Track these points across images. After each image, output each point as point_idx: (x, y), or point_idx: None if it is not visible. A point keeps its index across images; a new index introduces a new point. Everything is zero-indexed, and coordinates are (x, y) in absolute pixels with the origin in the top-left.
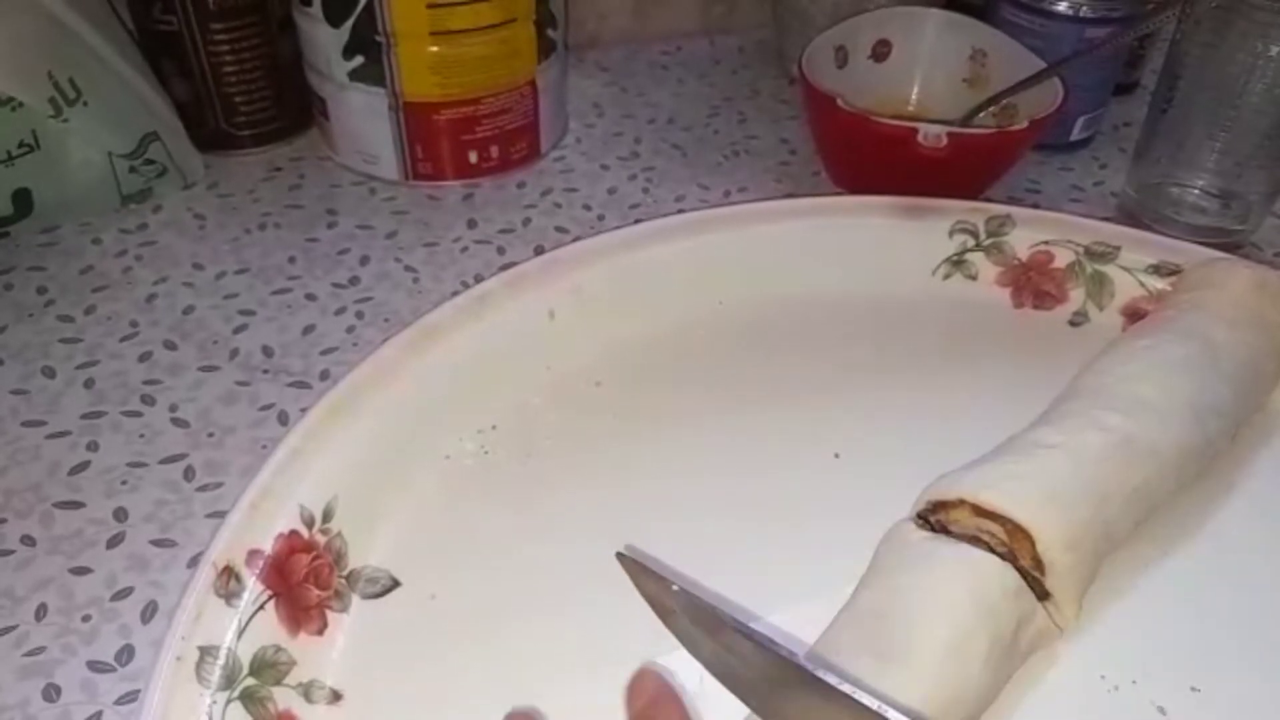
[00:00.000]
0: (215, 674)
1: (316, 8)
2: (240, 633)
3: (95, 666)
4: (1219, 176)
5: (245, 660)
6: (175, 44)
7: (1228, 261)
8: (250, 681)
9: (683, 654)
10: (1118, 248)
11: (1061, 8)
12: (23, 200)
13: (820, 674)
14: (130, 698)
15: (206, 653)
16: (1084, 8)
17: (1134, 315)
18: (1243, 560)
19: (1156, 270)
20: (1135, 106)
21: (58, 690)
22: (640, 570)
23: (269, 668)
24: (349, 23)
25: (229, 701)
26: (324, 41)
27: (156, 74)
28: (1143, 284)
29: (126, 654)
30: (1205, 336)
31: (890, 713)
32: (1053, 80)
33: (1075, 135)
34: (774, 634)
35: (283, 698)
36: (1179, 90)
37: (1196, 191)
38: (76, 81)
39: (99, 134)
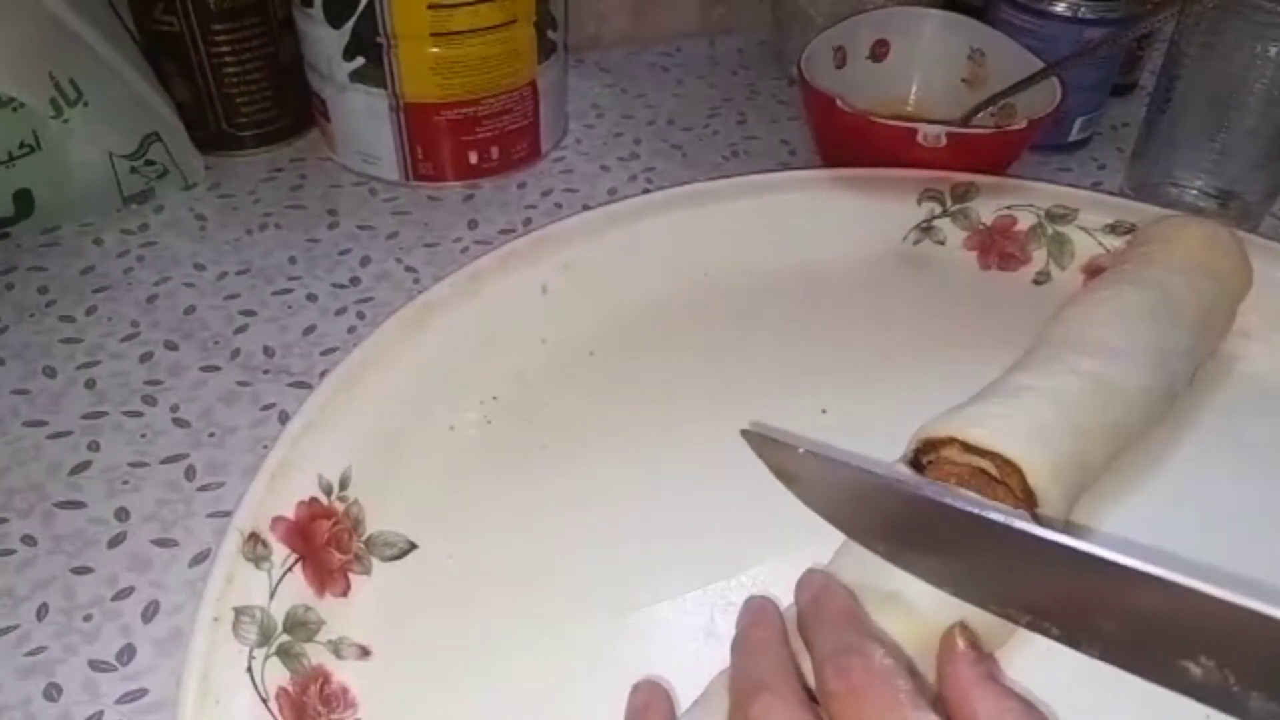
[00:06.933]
0: (252, 632)
1: (317, 9)
2: (271, 593)
3: (96, 666)
4: (1217, 176)
5: (279, 618)
6: (176, 44)
7: (1179, 218)
8: (285, 638)
9: (683, 601)
10: (1076, 209)
11: (1060, 8)
12: (24, 201)
13: (949, 501)
14: (132, 697)
15: (241, 613)
16: (1082, 8)
17: (1094, 273)
18: (1204, 490)
19: (1113, 229)
20: (1133, 107)
21: (59, 689)
22: (764, 441)
23: (300, 625)
24: (349, 24)
25: (267, 657)
26: (325, 43)
27: (157, 75)
28: (1101, 243)
29: (128, 653)
30: (1162, 285)
31: (991, 514)
32: (1051, 80)
33: (1073, 135)
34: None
35: (315, 654)
36: (1177, 90)
37: (1194, 191)
38: (77, 82)
39: (100, 134)
